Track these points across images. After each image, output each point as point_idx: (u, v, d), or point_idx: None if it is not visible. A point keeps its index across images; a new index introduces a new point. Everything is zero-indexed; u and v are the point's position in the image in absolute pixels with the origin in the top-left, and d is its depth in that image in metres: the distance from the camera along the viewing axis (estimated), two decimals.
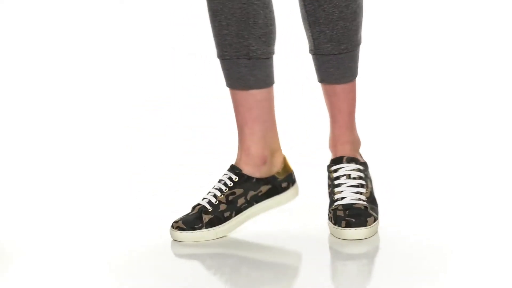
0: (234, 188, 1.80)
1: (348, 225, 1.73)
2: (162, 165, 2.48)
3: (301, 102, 2.82)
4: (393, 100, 2.96)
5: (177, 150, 2.64)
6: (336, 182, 1.80)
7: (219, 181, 1.82)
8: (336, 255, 1.74)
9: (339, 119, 1.85)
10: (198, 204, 1.80)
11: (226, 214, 1.78)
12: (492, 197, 2.11)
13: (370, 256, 1.72)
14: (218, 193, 1.80)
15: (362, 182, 1.82)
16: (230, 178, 1.81)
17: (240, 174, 1.81)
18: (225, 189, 1.80)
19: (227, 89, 1.85)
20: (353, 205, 1.76)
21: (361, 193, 1.79)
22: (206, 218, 1.77)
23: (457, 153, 2.55)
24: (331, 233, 1.77)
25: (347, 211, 1.75)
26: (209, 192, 1.82)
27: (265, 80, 1.81)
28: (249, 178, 1.81)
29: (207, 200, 1.80)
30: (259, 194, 1.82)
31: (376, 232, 1.77)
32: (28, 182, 2.35)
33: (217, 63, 1.83)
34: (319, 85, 1.86)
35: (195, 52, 3.27)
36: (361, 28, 1.82)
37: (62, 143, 2.72)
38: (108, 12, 3.03)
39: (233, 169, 1.83)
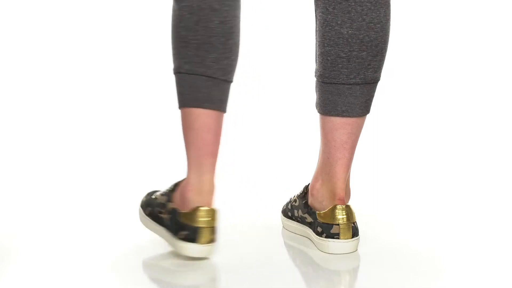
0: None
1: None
2: (162, 165, 2.48)
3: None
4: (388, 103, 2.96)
5: (177, 150, 2.64)
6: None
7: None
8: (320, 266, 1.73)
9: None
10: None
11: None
12: (485, 203, 2.11)
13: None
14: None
15: None
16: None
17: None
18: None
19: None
20: None
21: None
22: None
23: (452, 156, 2.55)
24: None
25: None
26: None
27: None
28: None
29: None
30: None
31: None
32: (28, 182, 2.35)
33: None
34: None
35: None
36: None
37: (62, 143, 2.72)
38: (108, 12, 3.03)
39: None
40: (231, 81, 1.66)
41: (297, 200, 1.83)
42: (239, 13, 1.65)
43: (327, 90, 1.71)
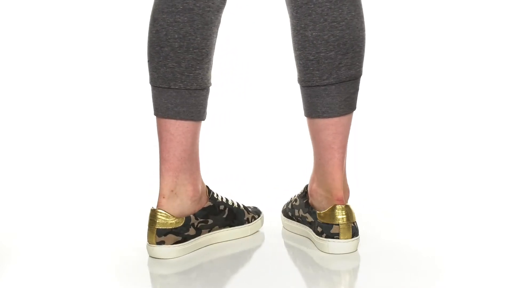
0: None
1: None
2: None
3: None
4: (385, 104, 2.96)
5: None
6: None
7: None
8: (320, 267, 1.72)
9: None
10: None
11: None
12: (485, 203, 2.11)
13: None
14: None
15: None
16: None
17: None
18: None
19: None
20: None
21: None
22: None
23: (447, 161, 2.55)
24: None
25: None
26: None
27: None
28: None
29: None
30: None
31: None
32: (28, 182, 2.35)
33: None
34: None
35: None
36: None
37: (62, 144, 2.72)
38: (108, 12, 3.04)
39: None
40: (177, 88, 1.67)
41: (298, 200, 1.83)
42: (184, 18, 1.65)
43: (306, 93, 1.72)
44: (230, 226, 1.80)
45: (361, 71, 1.71)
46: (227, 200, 1.81)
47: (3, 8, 3.03)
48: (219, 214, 1.77)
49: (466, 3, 3.05)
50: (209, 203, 1.76)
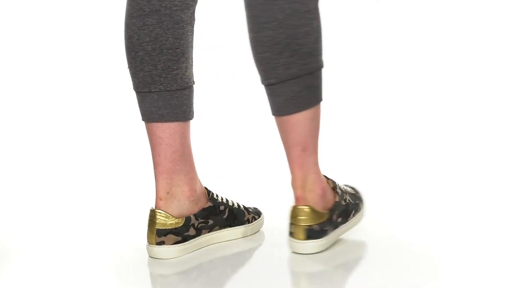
0: None
1: None
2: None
3: None
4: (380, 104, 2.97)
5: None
6: None
7: None
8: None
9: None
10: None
11: None
12: (482, 201, 2.12)
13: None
14: None
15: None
16: None
17: None
18: None
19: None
20: None
21: None
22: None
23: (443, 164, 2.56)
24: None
25: None
26: None
27: None
28: None
29: None
30: None
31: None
32: (28, 182, 2.35)
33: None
34: None
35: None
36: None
37: (62, 144, 2.72)
38: (108, 12, 3.04)
39: None
40: (158, 91, 1.69)
41: None
42: (153, 20, 1.66)
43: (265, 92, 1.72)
44: (231, 226, 1.80)
45: (307, 69, 1.65)
46: (227, 200, 1.82)
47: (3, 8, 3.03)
48: (220, 215, 1.78)
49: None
50: (209, 204, 1.77)
